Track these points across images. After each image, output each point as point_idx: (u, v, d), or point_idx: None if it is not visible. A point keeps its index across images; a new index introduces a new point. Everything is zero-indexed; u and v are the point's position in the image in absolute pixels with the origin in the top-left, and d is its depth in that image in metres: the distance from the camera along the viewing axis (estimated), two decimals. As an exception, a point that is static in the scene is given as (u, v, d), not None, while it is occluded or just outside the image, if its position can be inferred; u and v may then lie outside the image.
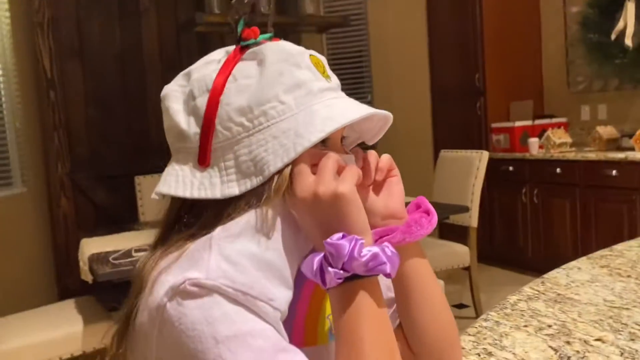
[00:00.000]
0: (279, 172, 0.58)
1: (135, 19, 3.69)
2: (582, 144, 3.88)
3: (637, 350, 0.78)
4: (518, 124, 3.94)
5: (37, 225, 3.60)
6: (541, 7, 4.24)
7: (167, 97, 0.65)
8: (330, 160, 0.59)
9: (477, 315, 2.65)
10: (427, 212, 0.69)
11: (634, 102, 3.69)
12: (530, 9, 4.23)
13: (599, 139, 3.55)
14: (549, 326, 0.89)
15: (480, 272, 3.43)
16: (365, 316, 0.56)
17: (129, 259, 2.06)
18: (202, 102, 0.62)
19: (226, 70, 0.62)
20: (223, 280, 0.53)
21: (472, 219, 3.15)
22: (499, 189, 4.02)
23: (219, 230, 0.57)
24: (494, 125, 4.09)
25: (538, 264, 3.63)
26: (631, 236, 2.05)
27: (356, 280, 0.56)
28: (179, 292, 0.53)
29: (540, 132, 3.91)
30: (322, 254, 0.57)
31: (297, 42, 0.74)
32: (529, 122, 3.97)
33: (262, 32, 0.66)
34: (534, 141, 3.82)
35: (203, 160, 0.62)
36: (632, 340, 0.82)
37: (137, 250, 2.12)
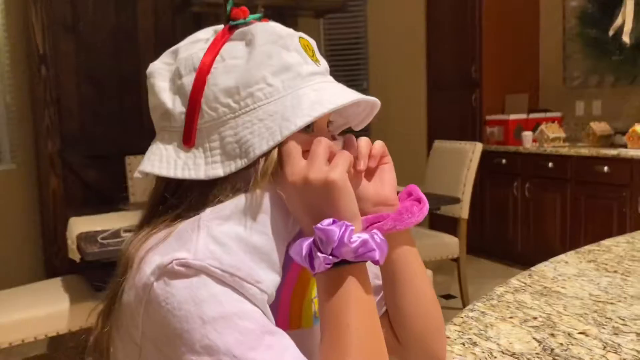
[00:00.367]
0: (265, 155, 0.58)
1: (131, -4, 3.65)
2: (575, 139, 3.90)
3: (619, 345, 0.79)
4: (512, 117, 3.95)
5: (26, 203, 3.58)
6: (540, 0, 4.22)
7: (153, 75, 0.65)
8: (322, 145, 0.58)
9: (464, 306, 2.67)
10: (419, 201, 0.69)
11: (628, 99, 3.70)
12: (530, 2, 4.22)
13: (592, 134, 3.56)
14: (534, 318, 0.89)
15: (469, 264, 3.46)
16: (352, 302, 0.56)
17: (118, 239, 2.05)
18: (188, 81, 0.61)
19: (214, 49, 0.62)
20: (211, 261, 0.53)
21: (463, 211, 3.16)
22: (491, 181, 4.03)
23: (208, 212, 0.57)
24: (488, 117, 4.09)
25: (526, 257, 3.66)
26: (620, 232, 2.06)
27: (345, 266, 0.56)
28: (167, 272, 0.53)
29: (534, 126, 3.92)
30: (311, 239, 0.56)
31: (294, 26, 0.72)
32: (523, 116, 3.97)
33: (252, 13, 0.66)
34: (527, 135, 3.83)
35: (188, 140, 0.61)
36: (616, 334, 0.83)
37: (126, 231, 2.11)
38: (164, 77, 0.64)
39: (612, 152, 3.25)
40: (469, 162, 3.18)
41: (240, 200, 0.58)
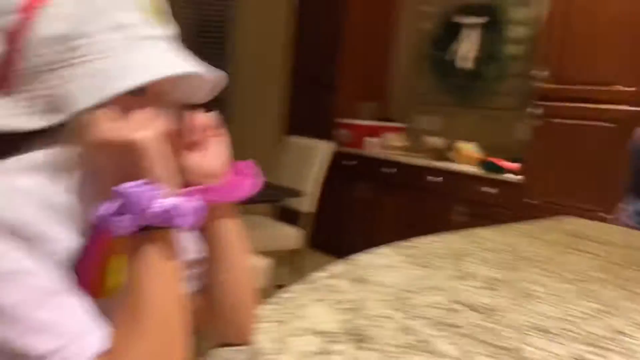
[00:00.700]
0: (87, 112, 0.54)
1: None
2: (415, 150, 4.24)
3: (415, 328, 0.87)
4: (362, 122, 4.20)
5: None
6: (401, 17, 4.51)
7: None
8: (139, 110, 0.56)
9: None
10: (250, 177, 0.70)
11: (460, 121, 4.10)
12: (390, 18, 4.50)
13: (429, 147, 3.91)
14: (346, 302, 0.95)
15: (309, 257, 3.58)
16: (155, 268, 0.55)
17: None
18: (9, 20, 0.55)
19: None
20: None
21: (305, 205, 3.26)
22: (339, 180, 4.23)
23: (13, 160, 0.53)
24: (340, 120, 4.29)
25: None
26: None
27: (151, 231, 0.55)
28: None
29: (380, 133, 4.20)
30: (117, 202, 0.54)
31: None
32: (371, 123, 4.24)
33: None
34: (373, 141, 4.10)
35: (1, 84, 0.56)
36: (412, 319, 0.91)
37: None
38: None
39: (441, 164, 3.62)
40: (320, 160, 3.30)
41: (51, 154, 0.54)
